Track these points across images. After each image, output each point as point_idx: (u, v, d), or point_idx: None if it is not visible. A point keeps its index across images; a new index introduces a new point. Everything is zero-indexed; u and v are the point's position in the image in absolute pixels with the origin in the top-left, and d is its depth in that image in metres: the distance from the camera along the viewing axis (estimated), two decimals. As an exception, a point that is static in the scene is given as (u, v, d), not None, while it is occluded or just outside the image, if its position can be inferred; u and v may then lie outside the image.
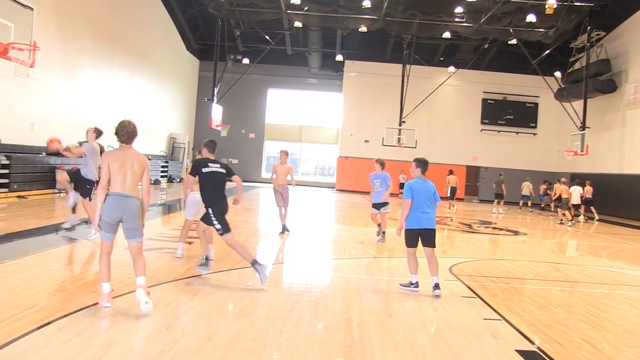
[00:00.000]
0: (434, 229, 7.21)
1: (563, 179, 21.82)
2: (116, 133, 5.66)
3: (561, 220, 20.71)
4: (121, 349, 4.44)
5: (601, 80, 27.17)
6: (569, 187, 21.22)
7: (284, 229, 12.08)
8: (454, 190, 24.17)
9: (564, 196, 20.63)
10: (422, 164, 7.38)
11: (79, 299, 5.75)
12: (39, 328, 4.74)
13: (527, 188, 28.02)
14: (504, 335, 5.53)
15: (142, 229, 5.67)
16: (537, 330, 5.74)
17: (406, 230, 7.23)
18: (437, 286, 7.03)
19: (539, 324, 5.99)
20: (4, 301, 5.48)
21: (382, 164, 11.55)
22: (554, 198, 22.40)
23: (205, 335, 4.86)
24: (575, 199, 20.61)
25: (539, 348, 5.16)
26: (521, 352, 4.98)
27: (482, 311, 6.47)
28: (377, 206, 11.66)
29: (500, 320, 6.09)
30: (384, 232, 11.64)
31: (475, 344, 5.17)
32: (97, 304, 5.54)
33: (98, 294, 5.74)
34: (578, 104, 26.38)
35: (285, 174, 11.96)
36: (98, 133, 9.81)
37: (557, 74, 29.65)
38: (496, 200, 25.91)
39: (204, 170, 7.25)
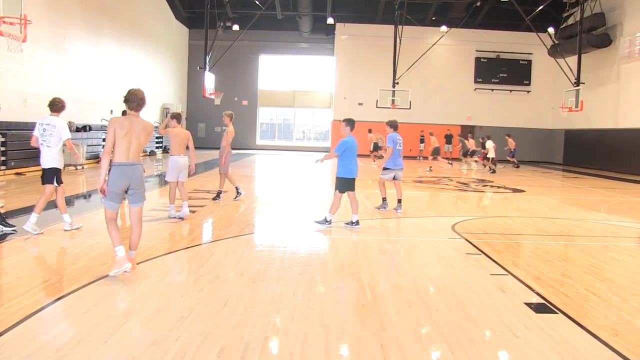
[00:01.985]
0: None
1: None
2: (126, 100, 5.70)
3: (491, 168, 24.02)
4: (140, 317, 4.52)
5: (595, 35, 26.99)
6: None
7: (218, 195, 11.77)
8: (376, 145, 27.48)
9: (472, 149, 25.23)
10: (352, 122, 8.92)
11: (92, 271, 5.81)
12: (57, 300, 4.82)
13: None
14: (512, 289, 5.65)
15: (144, 194, 5.83)
16: (544, 284, 5.86)
17: (343, 178, 8.85)
18: (357, 222, 8.93)
19: (544, 277, 6.12)
20: (20, 276, 5.55)
21: (391, 125, 10.98)
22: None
23: (221, 300, 4.94)
24: (492, 153, 24.16)
25: (547, 300, 5.28)
26: (530, 305, 5.10)
27: (489, 267, 6.59)
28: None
29: (506, 275, 6.21)
30: (383, 199, 11.10)
31: (485, 298, 5.28)
32: (108, 275, 5.62)
33: (110, 264, 5.82)
34: (572, 60, 26.22)
35: (224, 136, 12.04)
36: None
37: (551, 29, 29.46)
38: (464, 158, 26.84)
39: None
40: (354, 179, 8.99)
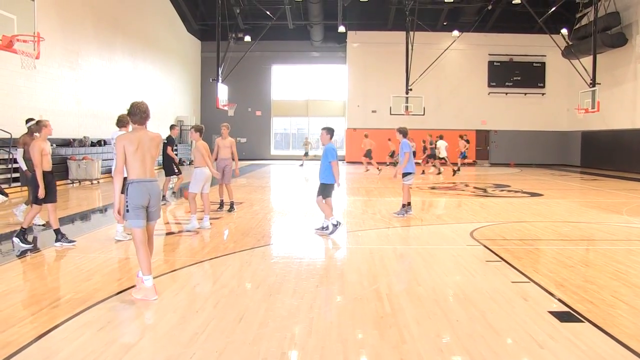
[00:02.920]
0: None
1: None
2: (129, 114, 5.50)
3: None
4: (155, 333, 4.45)
5: (610, 35, 26.65)
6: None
7: (232, 206, 11.64)
8: (369, 151, 26.97)
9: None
10: (332, 131, 9.22)
11: (105, 287, 5.76)
12: (71, 317, 4.75)
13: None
14: (535, 297, 5.49)
15: (160, 211, 5.67)
16: (567, 291, 5.69)
17: (328, 184, 9.16)
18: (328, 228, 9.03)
19: (568, 284, 5.95)
20: (34, 293, 5.51)
21: (400, 132, 11.17)
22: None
23: (237, 315, 4.85)
24: (443, 153, 24.30)
25: (571, 308, 5.11)
26: (554, 314, 4.94)
27: (509, 274, 6.43)
28: (403, 176, 11.16)
29: (528, 282, 6.05)
30: (403, 205, 11.17)
31: (507, 307, 5.13)
32: (124, 291, 5.57)
33: (123, 280, 5.77)
34: (587, 61, 25.93)
35: (228, 147, 11.55)
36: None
37: (564, 31, 29.16)
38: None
39: None
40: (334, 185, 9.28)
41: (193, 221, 9.37)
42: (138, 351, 4.06)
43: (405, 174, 11.06)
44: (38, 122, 8.22)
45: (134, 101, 5.55)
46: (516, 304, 5.23)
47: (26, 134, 9.66)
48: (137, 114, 5.44)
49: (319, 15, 32.59)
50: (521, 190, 17.40)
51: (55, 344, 4.18)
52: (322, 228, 9.17)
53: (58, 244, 7.81)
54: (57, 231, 7.94)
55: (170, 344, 4.19)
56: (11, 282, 5.99)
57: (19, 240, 7.73)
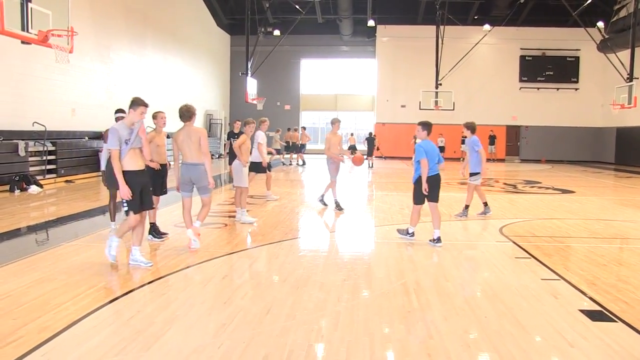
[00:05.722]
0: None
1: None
2: (180, 117, 7.15)
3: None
4: (183, 324, 4.49)
5: (651, 27, 25.88)
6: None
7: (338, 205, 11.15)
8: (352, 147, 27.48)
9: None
10: (428, 126, 7.86)
11: (136, 277, 5.86)
12: (103, 306, 4.85)
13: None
14: (565, 295, 5.40)
15: (210, 187, 7.23)
16: (599, 289, 5.58)
17: (417, 187, 7.77)
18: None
19: (600, 283, 5.83)
20: (67, 282, 5.62)
21: (468, 127, 10.21)
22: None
23: (264, 307, 4.88)
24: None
25: (603, 307, 5.01)
26: (586, 312, 4.86)
27: (539, 271, 6.34)
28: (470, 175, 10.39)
29: (559, 280, 5.95)
30: (466, 206, 10.48)
31: (536, 305, 5.06)
32: (154, 281, 5.66)
33: (154, 270, 5.88)
34: (624, 55, 25.26)
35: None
36: None
37: (600, 24, 28.40)
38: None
39: None
40: None
41: (244, 215, 9.33)
42: (166, 341, 4.11)
43: (472, 174, 10.32)
44: (157, 113, 7.80)
45: (180, 106, 7.21)
46: (546, 302, 5.16)
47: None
48: (183, 115, 7.17)
49: (348, 9, 32.47)
50: (552, 186, 17.12)
51: (87, 332, 4.27)
52: (405, 232, 8.14)
53: (149, 236, 7.71)
54: (152, 224, 7.82)
55: (199, 334, 4.24)
56: (46, 270, 6.11)
57: (151, 237, 7.75)
